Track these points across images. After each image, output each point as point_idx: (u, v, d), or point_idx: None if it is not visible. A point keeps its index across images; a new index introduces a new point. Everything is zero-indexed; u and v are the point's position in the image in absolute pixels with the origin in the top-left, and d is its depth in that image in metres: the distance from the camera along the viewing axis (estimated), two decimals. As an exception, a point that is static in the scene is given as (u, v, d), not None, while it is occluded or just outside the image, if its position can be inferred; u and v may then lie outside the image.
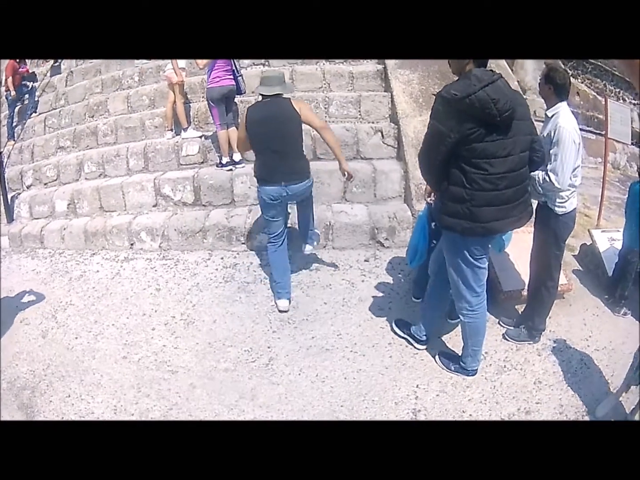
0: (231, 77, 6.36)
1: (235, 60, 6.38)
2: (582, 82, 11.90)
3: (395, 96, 6.62)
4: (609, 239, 5.30)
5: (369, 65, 7.55)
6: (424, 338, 4.09)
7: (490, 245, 3.59)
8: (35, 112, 10.08)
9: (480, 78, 2.95)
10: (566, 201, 3.77)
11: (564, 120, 3.59)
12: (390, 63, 7.04)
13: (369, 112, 6.91)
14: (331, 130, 4.61)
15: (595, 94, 12.24)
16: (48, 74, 10.56)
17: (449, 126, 2.97)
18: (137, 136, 7.67)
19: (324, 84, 7.24)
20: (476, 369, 3.83)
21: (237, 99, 6.79)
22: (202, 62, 6.25)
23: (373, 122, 6.84)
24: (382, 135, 6.46)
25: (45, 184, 8.02)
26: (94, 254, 6.35)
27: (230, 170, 6.42)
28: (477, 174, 3.07)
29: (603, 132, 10.65)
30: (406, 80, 6.77)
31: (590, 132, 11.76)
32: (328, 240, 5.67)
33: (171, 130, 7.27)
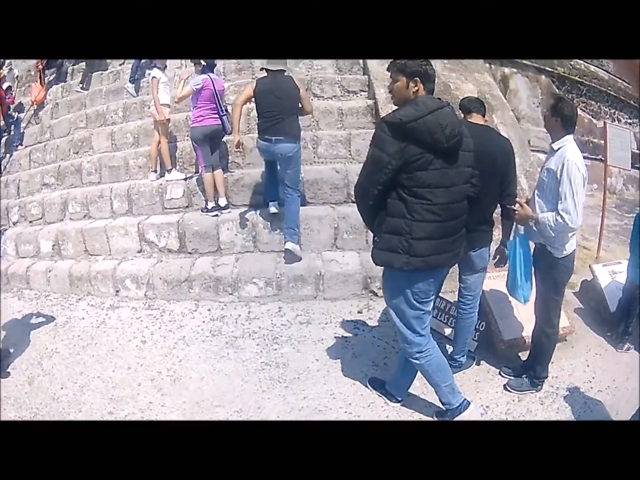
0: (216, 115, 6.15)
1: (220, 98, 6.18)
2: (577, 106, 11.78)
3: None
4: (610, 273, 5.14)
5: (359, 101, 7.39)
6: (400, 398, 3.86)
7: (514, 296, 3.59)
8: (22, 145, 9.95)
9: (427, 104, 2.86)
10: (567, 242, 3.58)
11: (572, 154, 3.41)
12: (381, 98, 6.84)
13: (359, 152, 6.64)
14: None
15: (590, 117, 12.17)
16: (34, 106, 10.37)
17: (390, 152, 2.82)
18: (120, 176, 7.49)
19: (312, 121, 7.03)
20: (461, 400, 3.50)
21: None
22: (180, 93, 6.13)
23: (364, 163, 6.59)
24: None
25: (30, 221, 7.88)
26: (79, 299, 6.18)
27: (216, 215, 6.19)
28: (419, 204, 2.90)
29: (599, 157, 10.62)
30: (399, 116, 6.54)
31: (586, 157, 11.69)
32: (319, 291, 5.44)
33: (155, 171, 7.05)
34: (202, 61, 6.26)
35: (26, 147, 9.74)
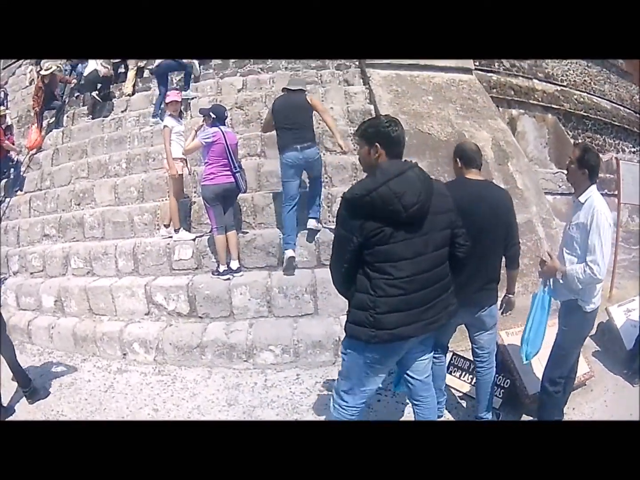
0: (228, 172, 5.83)
1: (233, 153, 5.91)
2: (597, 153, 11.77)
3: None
4: (625, 312, 5.14)
5: (374, 155, 7.14)
6: None
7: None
8: (21, 191, 9.67)
9: (385, 171, 2.71)
10: (595, 296, 3.52)
11: (600, 205, 3.34)
12: None
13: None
14: (330, 114, 6.53)
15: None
16: (31, 151, 10.17)
17: (351, 229, 2.72)
18: (125, 233, 7.24)
19: (325, 178, 6.81)
20: None
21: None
22: (187, 145, 5.98)
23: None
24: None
25: (31, 273, 7.64)
26: (84, 359, 5.94)
27: (228, 279, 5.91)
28: (381, 279, 2.76)
29: (604, 191, 10.44)
30: (415, 169, 6.38)
31: None
32: (338, 357, 5.18)
33: (167, 225, 6.78)
34: (211, 113, 6.03)
35: (26, 193, 9.49)
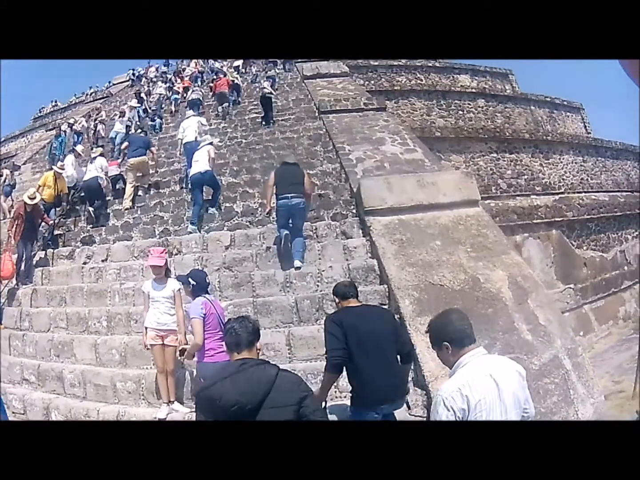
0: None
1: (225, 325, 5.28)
2: (587, 248, 11.79)
3: (420, 354, 5.47)
4: None
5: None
6: None
7: None
8: (1, 323, 9.00)
9: (218, 372, 3.01)
10: None
11: (448, 385, 2.73)
12: (407, 311, 6.07)
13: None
14: (311, 196, 8.45)
15: (601, 253, 12.14)
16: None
17: (200, 413, 2.94)
18: (108, 398, 6.44)
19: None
20: None
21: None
22: (197, 339, 5.11)
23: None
24: (409, 406, 4.94)
25: (13, 412, 6.95)
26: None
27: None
28: None
29: (611, 291, 10.31)
30: (429, 332, 5.79)
31: (600, 297, 11.71)
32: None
33: (167, 403, 5.76)
34: (190, 280, 5.39)
35: (5, 327, 8.86)
